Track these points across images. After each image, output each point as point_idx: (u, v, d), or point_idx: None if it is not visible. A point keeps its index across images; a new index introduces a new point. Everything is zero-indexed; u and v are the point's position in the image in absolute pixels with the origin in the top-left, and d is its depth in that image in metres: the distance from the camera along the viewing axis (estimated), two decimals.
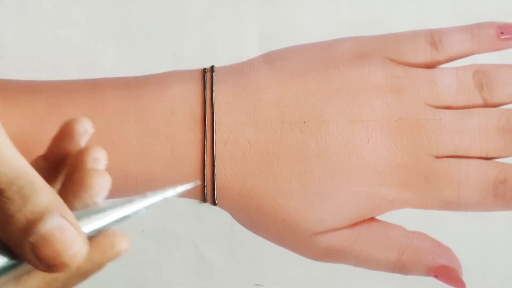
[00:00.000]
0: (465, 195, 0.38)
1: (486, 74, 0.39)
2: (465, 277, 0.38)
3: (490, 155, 0.39)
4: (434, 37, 0.39)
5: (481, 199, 0.38)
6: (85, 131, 0.24)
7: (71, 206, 0.22)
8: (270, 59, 0.39)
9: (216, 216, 0.38)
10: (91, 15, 0.39)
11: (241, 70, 0.39)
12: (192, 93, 0.38)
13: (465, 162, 0.38)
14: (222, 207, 0.38)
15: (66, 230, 0.20)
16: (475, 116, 0.39)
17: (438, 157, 0.38)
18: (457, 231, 0.39)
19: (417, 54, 0.39)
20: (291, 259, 0.38)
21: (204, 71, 0.38)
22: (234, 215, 0.38)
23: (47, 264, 0.20)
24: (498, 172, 0.38)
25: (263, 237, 0.38)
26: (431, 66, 0.39)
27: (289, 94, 0.38)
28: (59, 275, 0.21)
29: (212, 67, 0.38)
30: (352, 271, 0.38)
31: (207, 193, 0.38)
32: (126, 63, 0.38)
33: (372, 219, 0.39)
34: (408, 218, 0.38)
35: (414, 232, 0.39)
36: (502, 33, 0.40)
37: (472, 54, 0.39)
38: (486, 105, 0.39)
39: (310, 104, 0.38)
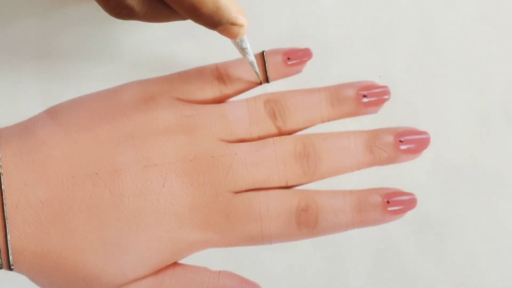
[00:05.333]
0: (268, 227, 0.38)
1: (278, 102, 0.39)
2: None
3: (290, 183, 0.38)
4: (220, 71, 0.39)
5: (285, 229, 0.38)
6: None
7: None
8: (54, 114, 0.38)
9: None
10: None
11: (25, 128, 0.38)
12: None
13: (265, 193, 0.38)
14: (19, 271, 0.37)
15: None
16: (271, 146, 0.38)
17: (237, 192, 0.38)
18: (264, 265, 0.38)
19: (205, 91, 0.39)
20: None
21: None
22: (32, 279, 0.37)
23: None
24: (300, 200, 0.38)
25: None
26: (221, 100, 0.39)
27: (78, 148, 0.37)
28: None
29: None
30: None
31: (2, 258, 0.37)
32: None
33: (175, 264, 0.38)
34: (213, 258, 0.38)
35: (220, 272, 0.38)
36: (288, 59, 0.39)
37: (262, 83, 0.39)
38: (281, 133, 0.39)
39: (100, 154, 0.37)
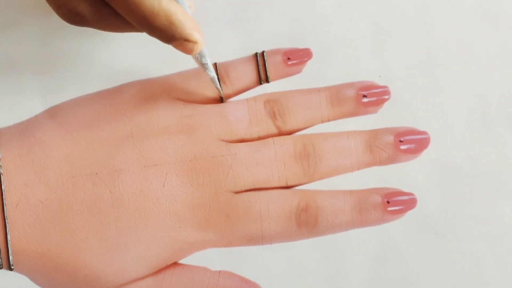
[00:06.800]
0: (268, 227, 0.38)
1: (278, 102, 0.39)
2: None
3: (290, 183, 0.38)
4: (220, 71, 0.39)
5: (285, 230, 0.38)
6: None
7: None
8: (54, 114, 0.38)
9: None
10: None
11: (25, 128, 0.38)
12: None
13: (265, 193, 0.38)
14: (20, 271, 0.37)
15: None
16: (271, 146, 0.38)
17: (237, 192, 0.38)
18: (264, 265, 0.38)
19: (205, 90, 0.39)
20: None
21: None
22: (32, 278, 0.37)
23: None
24: (299, 200, 0.38)
25: None
26: (221, 100, 0.39)
27: (78, 148, 0.37)
28: None
29: None
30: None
31: (2, 258, 0.37)
32: None
33: (175, 263, 0.38)
34: (213, 258, 0.38)
35: (220, 271, 0.38)
36: (289, 59, 0.39)
37: (262, 83, 0.39)
38: (281, 133, 0.39)
39: (101, 154, 0.37)
